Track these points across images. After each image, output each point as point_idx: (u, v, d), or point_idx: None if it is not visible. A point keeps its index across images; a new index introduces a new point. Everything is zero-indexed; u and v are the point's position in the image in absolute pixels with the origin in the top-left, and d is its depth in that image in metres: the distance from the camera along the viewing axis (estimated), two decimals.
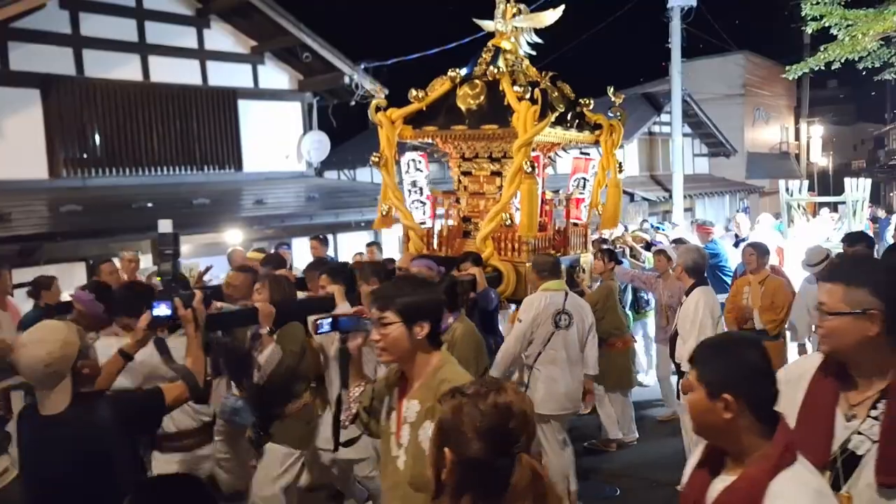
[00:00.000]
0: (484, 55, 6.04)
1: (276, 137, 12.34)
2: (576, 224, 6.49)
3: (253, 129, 11.89)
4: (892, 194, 33.44)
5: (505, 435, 1.62)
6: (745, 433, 1.72)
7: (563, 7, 6.05)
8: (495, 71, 5.70)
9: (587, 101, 6.23)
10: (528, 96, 5.32)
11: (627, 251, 8.19)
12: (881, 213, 15.13)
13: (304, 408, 4.24)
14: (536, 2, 6.11)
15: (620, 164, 6.48)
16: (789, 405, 1.93)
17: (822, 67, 13.43)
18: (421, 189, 6.37)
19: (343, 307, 4.15)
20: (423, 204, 6.38)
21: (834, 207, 13.81)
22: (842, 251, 5.63)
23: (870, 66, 13.47)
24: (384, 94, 10.39)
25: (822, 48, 13.01)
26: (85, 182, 9.95)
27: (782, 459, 1.69)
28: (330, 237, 11.35)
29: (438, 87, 5.99)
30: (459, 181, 6.24)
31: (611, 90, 6.29)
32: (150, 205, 9.41)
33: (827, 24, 12.25)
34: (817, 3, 12.23)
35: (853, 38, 12.10)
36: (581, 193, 6.54)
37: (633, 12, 18.13)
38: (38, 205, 9.07)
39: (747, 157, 25.01)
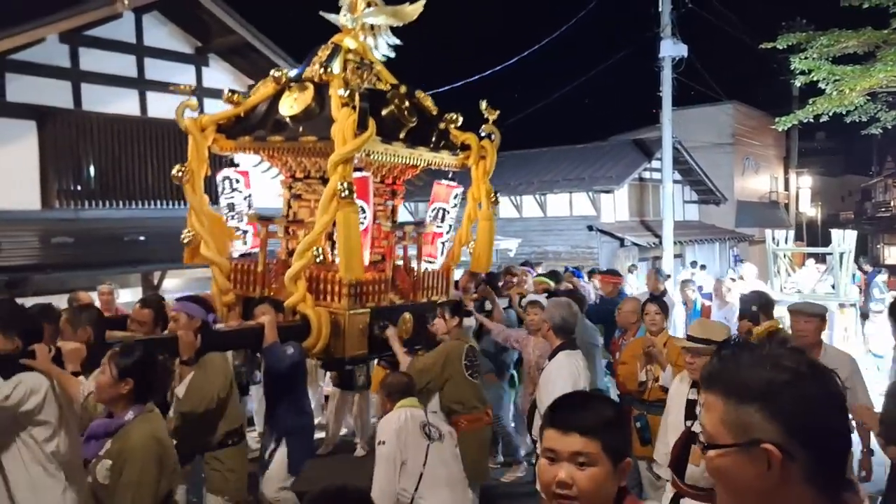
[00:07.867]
0: (319, 53, 4.88)
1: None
2: (430, 263, 5.35)
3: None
4: (878, 246, 33.80)
5: None
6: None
7: (423, 1, 4.91)
8: (321, 72, 4.63)
9: (453, 117, 5.11)
10: (353, 103, 4.24)
11: (517, 301, 6.69)
12: (867, 268, 15.18)
13: None
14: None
15: (496, 193, 5.37)
16: None
17: (811, 120, 13.70)
18: (241, 214, 5.32)
19: None
20: (245, 233, 5.31)
21: (821, 258, 13.92)
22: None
23: (857, 120, 13.75)
24: None
25: (810, 101, 13.30)
26: (77, 214, 9.92)
27: None
28: None
29: (261, 89, 4.92)
30: (290, 206, 5.15)
31: (483, 104, 5.16)
32: (142, 238, 9.38)
33: (815, 79, 12.57)
34: (806, 58, 12.56)
35: (841, 93, 12.39)
36: (438, 227, 5.42)
37: (626, 61, 18.49)
38: (28, 235, 9.02)
39: (737, 205, 25.26)
